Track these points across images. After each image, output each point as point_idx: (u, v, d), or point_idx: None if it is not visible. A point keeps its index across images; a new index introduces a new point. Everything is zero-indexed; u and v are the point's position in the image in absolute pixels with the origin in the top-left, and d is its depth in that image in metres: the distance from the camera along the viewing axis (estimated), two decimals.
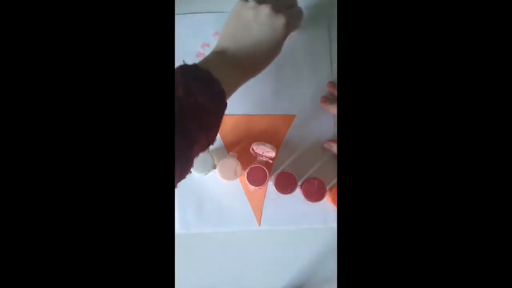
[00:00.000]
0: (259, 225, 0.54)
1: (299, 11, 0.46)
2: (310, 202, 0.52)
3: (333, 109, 0.54)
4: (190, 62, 0.56)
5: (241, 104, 0.56)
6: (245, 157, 0.54)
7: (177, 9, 0.58)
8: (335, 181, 0.54)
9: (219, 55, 0.40)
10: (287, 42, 0.57)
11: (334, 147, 0.53)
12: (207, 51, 0.56)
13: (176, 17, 0.58)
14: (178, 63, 0.56)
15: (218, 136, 0.55)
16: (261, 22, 0.38)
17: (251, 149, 0.53)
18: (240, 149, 0.55)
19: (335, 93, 0.55)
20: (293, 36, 0.57)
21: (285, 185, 0.52)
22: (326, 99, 0.55)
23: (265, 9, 0.38)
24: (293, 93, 0.56)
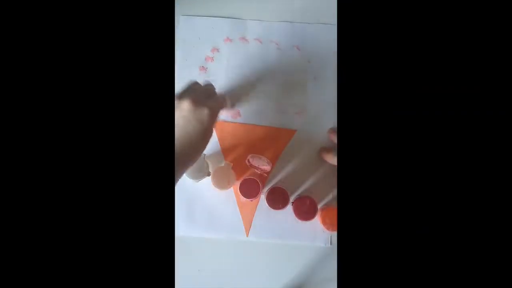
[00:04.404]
0: (247, 235, 0.54)
1: (221, 98, 0.48)
2: (300, 221, 0.51)
3: (332, 159, 0.53)
4: (198, 65, 0.56)
5: (243, 112, 0.56)
6: (241, 165, 0.54)
7: (188, 11, 0.57)
8: (327, 200, 0.54)
9: None
10: (293, 60, 0.58)
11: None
12: (216, 56, 0.56)
13: (187, 18, 0.58)
14: (186, 64, 0.56)
15: (216, 141, 0.55)
16: (186, 117, 0.40)
17: (246, 160, 0.53)
18: (236, 156, 0.55)
19: (335, 140, 0.54)
20: (299, 55, 0.57)
21: (277, 200, 0.51)
22: (324, 149, 0.54)
23: (186, 105, 0.40)
24: (296, 109, 0.56)
